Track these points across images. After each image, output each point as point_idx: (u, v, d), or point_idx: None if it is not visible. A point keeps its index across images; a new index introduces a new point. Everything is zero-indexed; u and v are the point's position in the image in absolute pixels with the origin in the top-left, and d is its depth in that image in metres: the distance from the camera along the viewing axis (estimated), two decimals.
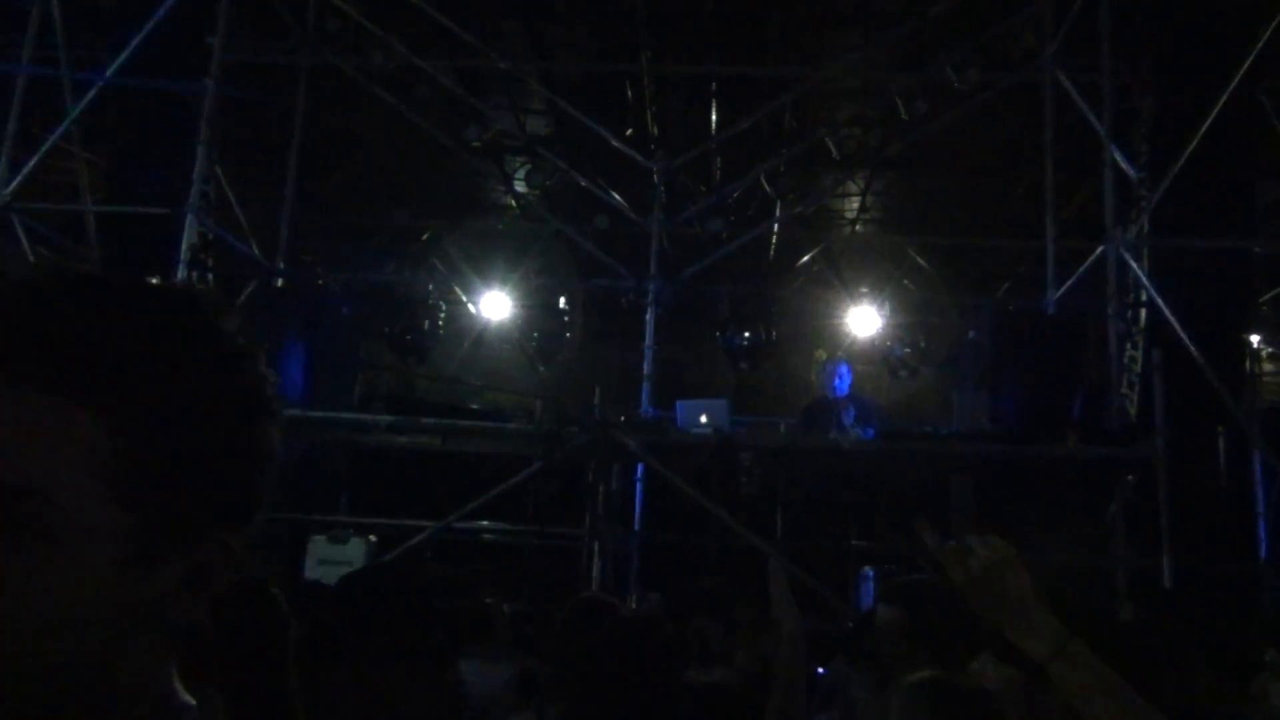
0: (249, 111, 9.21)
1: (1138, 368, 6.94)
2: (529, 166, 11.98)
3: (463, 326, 13.28)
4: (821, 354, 15.04)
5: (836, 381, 8.16)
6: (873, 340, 11.61)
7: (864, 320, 13.99)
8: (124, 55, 7.92)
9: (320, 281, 9.23)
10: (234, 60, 8.41)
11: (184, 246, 7.70)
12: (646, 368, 7.87)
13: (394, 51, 8.88)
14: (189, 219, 7.77)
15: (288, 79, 9.11)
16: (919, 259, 14.27)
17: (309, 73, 9.07)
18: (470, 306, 13.55)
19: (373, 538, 7.58)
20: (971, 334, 6.91)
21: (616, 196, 9.86)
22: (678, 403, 6.97)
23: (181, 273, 7.66)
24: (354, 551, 7.48)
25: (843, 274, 14.39)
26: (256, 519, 0.82)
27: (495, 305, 13.70)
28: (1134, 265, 6.79)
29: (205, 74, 7.97)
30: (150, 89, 8.07)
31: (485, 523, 7.98)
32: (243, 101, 8.75)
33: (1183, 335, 6.31)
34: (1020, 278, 13.24)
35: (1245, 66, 6.42)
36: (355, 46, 9.09)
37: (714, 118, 11.91)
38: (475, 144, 9.04)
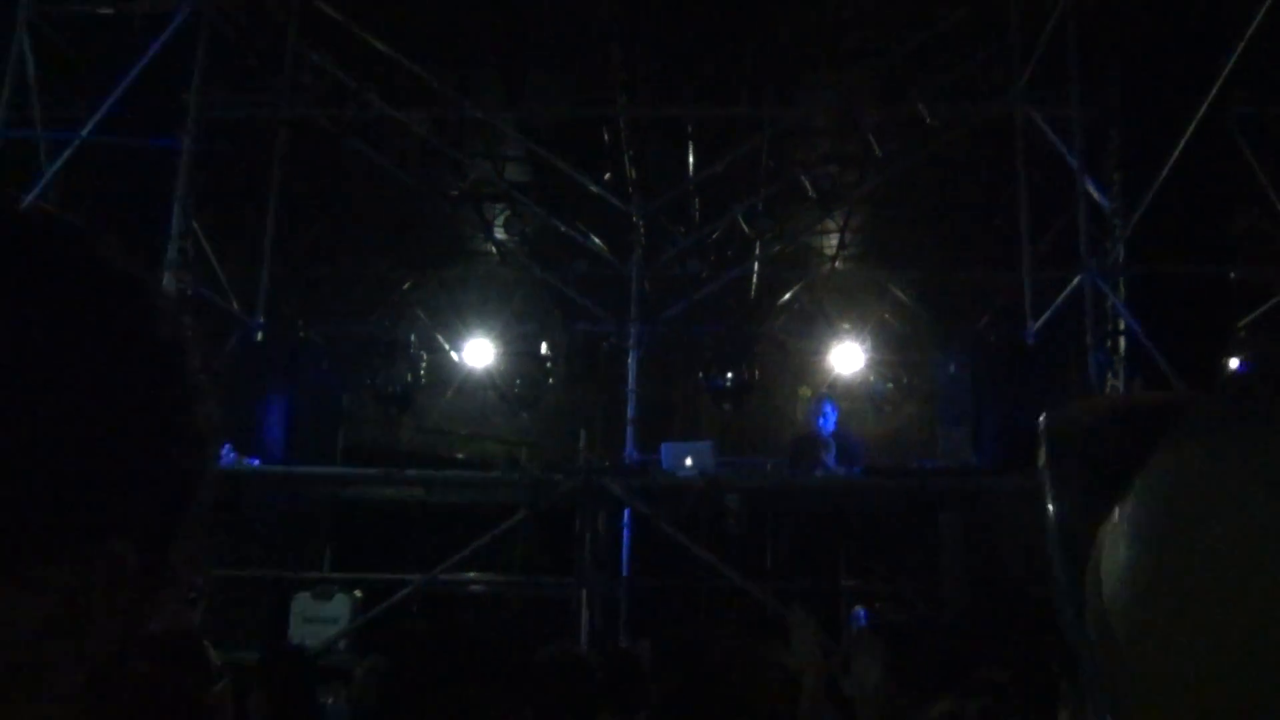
0: (226, 166, 9.21)
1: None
2: (508, 213, 12.03)
3: (445, 375, 13.25)
4: (806, 391, 15.06)
5: (820, 420, 8.16)
6: (856, 376, 11.62)
7: (847, 356, 14.02)
8: (99, 113, 7.92)
9: (301, 334, 9.19)
10: (211, 116, 8.43)
11: None
12: (630, 411, 7.85)
13: (370, 103, 8.91)
14: (166, 276, 7.74)
15: (265, 133, 9.13)
16: (899, 294, 14.34)
17: (286, 126, 9.08)
18: (453, 355, 13.53)
19: (358, 593, 7.49)
20: (952, 368, 6.91)
21: (596, 240, 9.88)
22: (662, 445, 6.95)
23: None
24: (339, 608, 7.39)
25: (825, 311, 14.42)
26: (185, 529, 0.57)
27: (478, 352, 13.69)
28: (1110, 294, 6.82)
29: (181, 130, 7.98)
30: (126, 146, 8.06)
31: (472, 574, 7.91)
32: (220, 156, 8.75)
33: (1161, 362, 6.33)
34: (1001, 310, 13.30)
35: (1212, 94, 6.49)
36: (332, 99, 9.12)
37: (691, 159, 11.98)
38: (454, 192, 9.03)
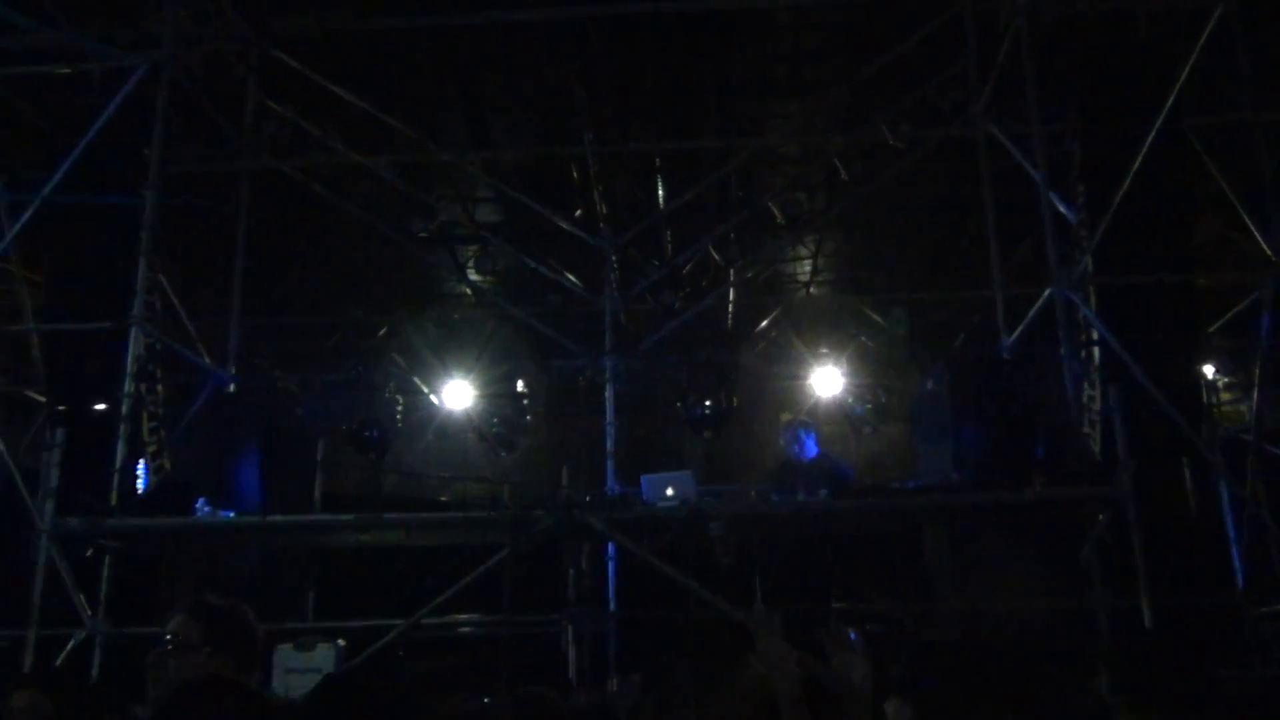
0: (192, 218, 9.17)
1: (1097, 406, 6.96)
2: (479, 253, 12.01)
3: (422, 418, 13.18)
4: (786, 416, 15.06)
5: (796, 448, 8.15)
6: (835, 399, 11.62)
7: (826, 380, 14.04)
8: (60, 171, 7.87)
9: (279, 384, 9.12)
10: (174, 170, 8.40)
11: (130, 359, 7.57)
12: (610, 444, 7.81)
13: (335, 150, 8.90)
14: (134, 331, 7.66)
15: (229, 184, 9.10)
16: (874, 316, 14.39)
17: (250, 176, 9.05)
18: (432, 397, 13.46)
19: (341, 641, 7.37)
20: (929, 385, 6.91)
21: (571, 277, 9.87)
22: (642, 477, 6.90)
23: (129, 385, 7.53)
24: (323, 658, 7.26)
25: (802, 336, 14.45)
26: None
27: (457, 395, 13.63)
28: (1081, 305, 6.85)
29: (144, 184, 7.94)
30: (89, 203, 8.01)
31: (457, 615, 7.81)
32: (184, 209, 8.71)
33: (1136, 371, 6.34)
34: (975, 327, 13.36)
35: (1168, 105, 6.57)
36: (296, 147, 9.11)
37: (661, 192, 12.02)
38: (423, 234, 9.02)
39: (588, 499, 6.78)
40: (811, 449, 8.05)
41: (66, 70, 8.17)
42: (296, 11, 9.12)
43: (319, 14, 9.02)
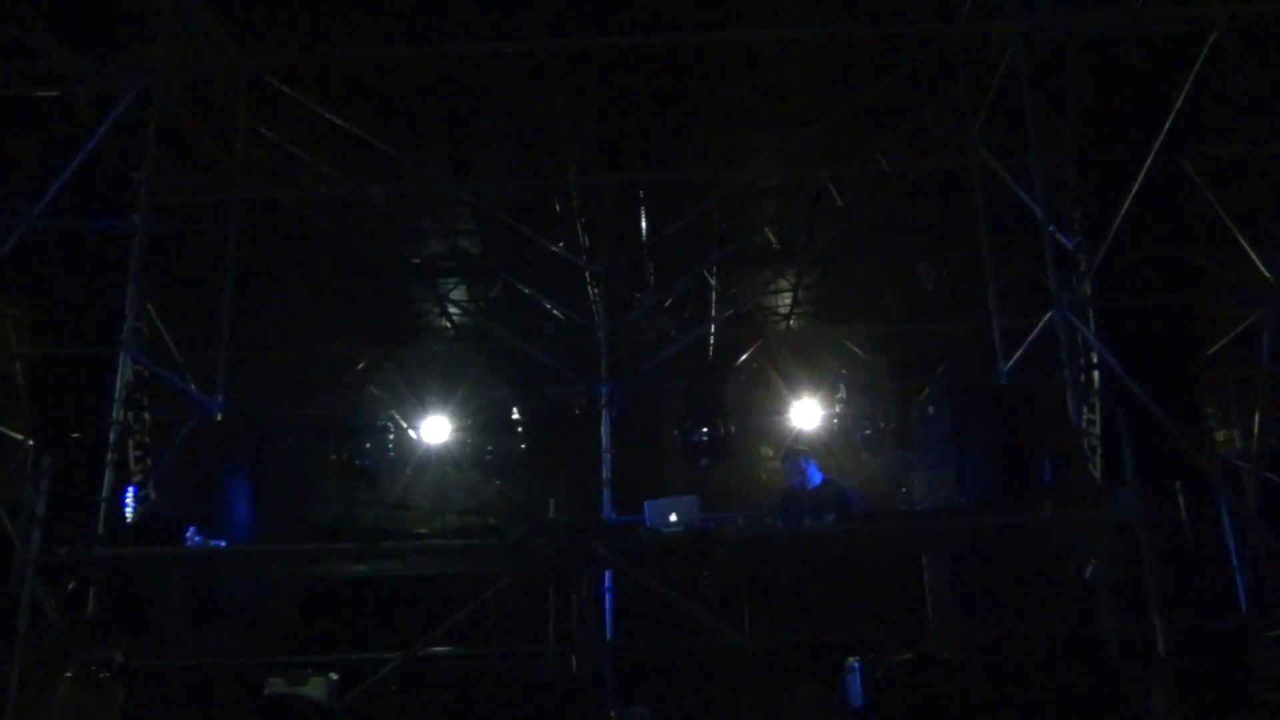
0: (180, 246, 9.04)
1: (1096, 430, 6.99)
2: (463, 286, 11.96)
3: (406, 452, 13.05)
4: (768, 450, 15.05)
5: (798, 478, 8.12)
6: (830, 427, 11.62)
7: (806, 414, 14.04)
8: (46, 198, 7.75)
9: (268, 414, 8.96)
10: (163, 199, 8.30)
11: (119, 385, 7.42)
12: (605, 473, 7.72)
13: (327, 176, 8.82)
14: (122, 358, 7.51)
15: (218, 212, 8.98)
16: (854, 348, 14.44)
17: (240, 204, 8.94)
18: (411, 432, 13.34)
19: (334, 675, 7.20)
20: (930, 410, 6.90)
21: (557, 313, 9.83)
22: (645, 503, 6.80)
23: (117, 413, 7.37)
24: (315, 691, 7.09)
25: (782, 369, 14.46)
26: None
27: (435, 430, 13.51)
28: (1082, 328, 6.89)
29: (133, 211, 7.82)
30: (77, 230, 7.87)
31: (450, 649, 7.65)
32: (173, 236, 8.58)
33: (1139, 393, 6.37)
34: (953, 360, 13.44)
35: (1165, 128, 6.65)
36: (285, 173, 9.02)
37: (644, 225, 12.03)
38: (415, 261, 8.94)
39: (590, 525, 6.67)
40: (815, 476, 8.02)
41: (54, 93, 8.05)
42: (281, 40, 9.09)
43: (303, 43, 8.98)
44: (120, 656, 2.76)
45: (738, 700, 6.23)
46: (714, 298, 12.64)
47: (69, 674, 2.67)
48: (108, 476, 7.08)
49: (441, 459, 13.64)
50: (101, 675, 2.69)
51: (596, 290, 12.30)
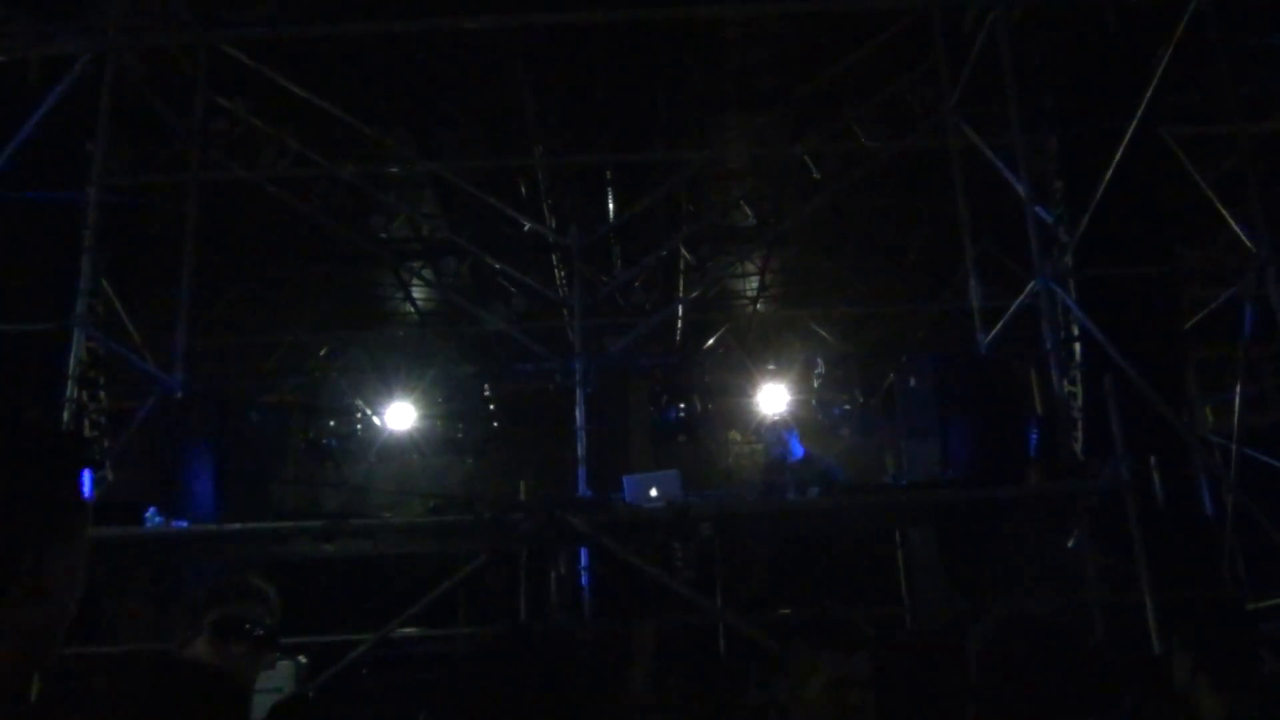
0: (138, 221, 8.74)
1: (1078, 402, 6.94)
2: (429, 269, 11.72)
3: (371, 436, 12.81)
4: (735, 435, 14.96)
5: (779, 449, 8.00)
6: (812, 400, 11.55)
7: (772, 397, 13.97)
8: None
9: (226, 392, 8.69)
10: (120, 175, 8.01)
11: (72, 362, 7.13)
12: (580, 450, 7.55)
13: (286, 150, 8.57)
14: (76, 334, 7.22)
15: (176, 186, 8.69)
16: (821, 331, 14.39)
17: (196, 178, 8.65)
18: (375, 418, 13.10)
19: (302, 658, 6.98)
20: (911, 382, 6.80)
21: (529, 282, 9.63)
22: (624, 478, 6.63)
23: (71, 390, 7.09)
24: (283, 675, 6.86)
25: (750, 352, 14.38)
26: None
27: (399, 416, 13.29)
28: (1066, 298, 6.81)
29: (87, 183, 7.52)
30: (28, 202, 7.56)
31: (421, 630, 7.47)
32: (130, 210, 8.29)
33: (1122, 363, 6.31)
34: (920, 342, 13.42)
35: (1145, 99, 6.60)
36: (245, 146, 8.76)
37: (611, 206, 11.88)
38: (383, 236, 8.71)
39: (568, 500, 6.51)
40: (797, 449, 7.91)
41: (2, 58, 7.73)
42: (243, 7, 8.82)
43: (264, 17, 8.72)
44: (269, 618, 2.87)
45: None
46: (681, 281, 12.53)
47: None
48: None
49: (405, 447, 13.44)
50: (255, 633, 2.80)
51: (564, 274, 12.15)
